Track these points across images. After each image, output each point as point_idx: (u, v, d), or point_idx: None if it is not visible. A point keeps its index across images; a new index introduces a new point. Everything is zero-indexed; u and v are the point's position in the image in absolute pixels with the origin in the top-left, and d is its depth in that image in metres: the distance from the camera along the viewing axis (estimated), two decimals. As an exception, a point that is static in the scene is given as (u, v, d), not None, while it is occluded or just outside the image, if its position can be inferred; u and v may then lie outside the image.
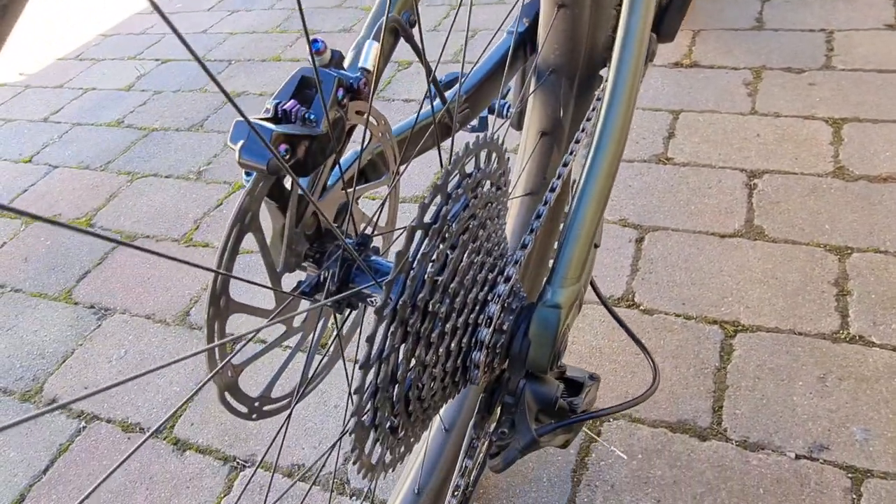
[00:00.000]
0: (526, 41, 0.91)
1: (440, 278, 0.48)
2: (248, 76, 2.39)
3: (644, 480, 1.00)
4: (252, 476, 1.12)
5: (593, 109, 0.71)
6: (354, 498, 1.06)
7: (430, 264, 0.47)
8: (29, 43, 3.18)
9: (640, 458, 1.02)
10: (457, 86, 0.80)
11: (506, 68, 0.84)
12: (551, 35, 0.85)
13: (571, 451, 1.05)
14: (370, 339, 0.43)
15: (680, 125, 1.70)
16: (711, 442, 1.03)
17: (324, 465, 1.11)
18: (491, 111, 0.88)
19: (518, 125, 1.07)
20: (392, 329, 0.45)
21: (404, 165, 0.69)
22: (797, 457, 0.99)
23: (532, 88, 0.90)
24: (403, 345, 0.47)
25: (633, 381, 1.13)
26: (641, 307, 1.26)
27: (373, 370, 0.45)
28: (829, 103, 1.67)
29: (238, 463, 1.15)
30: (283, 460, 1.14)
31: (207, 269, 0.44)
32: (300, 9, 0.38)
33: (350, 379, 0.64)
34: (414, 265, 0.45)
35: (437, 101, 0.74)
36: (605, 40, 0.91)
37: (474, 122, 0.87)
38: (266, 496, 1.08)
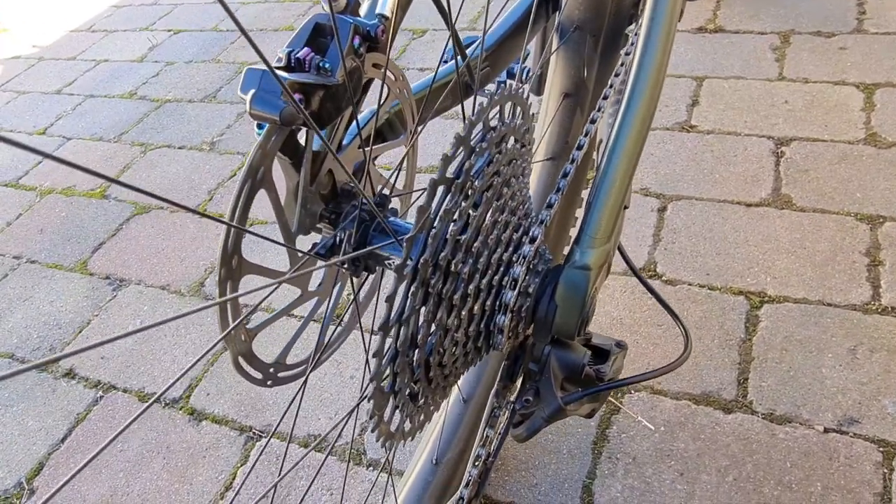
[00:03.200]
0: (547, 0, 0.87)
1: (463, 237, 0.45)
2: (261, 45, 2.35)
3: (667, 453, 0.98)
4: (265, 445, 1.12)
5: (622, 65, 0.67)
6: (371, 468, 1.05)
7: (453, 222, 0.44)
8: (41, 15, 3.15)
9: (663, 431, 1.00)
10: (477, 42, 0.77)
11: (528, 26, 0.81)
12: (576, -11, 0.81)
13: (592, 423, 1.03)
14: (389, 299, 0.41)
15: (704, 92, 1.65)
16: (736, 414, 1.00)
17: (340, 436, 1.10)
18: (510, 76, 0.85)
19: (538, 90, 1.03)
20: (412, 289, 0.43)
21: (422, 125, 0.66)
22: (826, 430, 0.96)
23: (555, 47, 0.86)
24: (424, 306, 0.45)
25: (655, 352, 1.11)
26: (664, 277, 1.22)
27: (392, 332, 0.43)
28: (860, 68, 1.61)
29: (254, 433, 1.14)
30: (300, 430, 1.13)
31: (220, 221, 0.42)
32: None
33: (367, 346, 0.62)
34: (436, 222, 0.43)
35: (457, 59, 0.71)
36: (632, -4, 0.87)
37: (492, 87, 0.83)
38: (281, 466, 1.07)
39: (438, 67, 0.69)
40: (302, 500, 1.03)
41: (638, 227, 1.33)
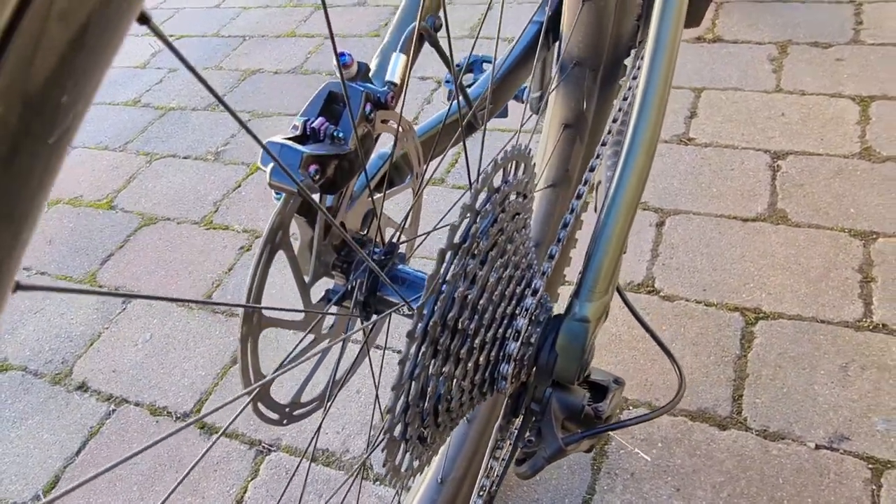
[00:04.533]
0: (549, 30, 0.89)
1: (470, 295, 0.48)
2: (263, 52, 2.38)
3: (664, 469, 1.01)
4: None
5: (619, 110, 0.70)
6: (377, 483, 1.08)
7: (461, 284, 0.47)
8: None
9: (660, 447, 1.03)
10: (482, 78, 0.80)
11: (533, 57, 0.83)
12: (576, 28, 0.84)
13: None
14: (402, 362, 0.44)
15: (702, 104, 1.67)
16: (731, 431, 1.03)
17: (347, 451, 1.13)
18: (514, 98, 0.88)
19: (537, 109, 1.06)
20: (423, 349, 0.46)
21: (427, 166, 0.69)
22: (817, 447, 0.99)
23: (555, 81, 0.89)
24: (434, 361, 0.48)
25: (653, 368, 1.14)
26: (661, 293, 1.26)
27: (404, 391, 0.46)
28: (856, 80, 1.63)
29: (264, 447, 1.18)
30: (306, 444, 1.16)
31: (240, 306, 0.45)
32: (328, 23, 0.37)
33: (377, 382, 0.65)
34: (443, 287, 0.46)
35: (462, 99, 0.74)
36: (631, 29, 0.90)
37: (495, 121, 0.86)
38: (290, 481, 1.10)
39: (449, 110, 0.71)
40: (311, 513, 1.06)
41: (637, 241, 1.36)
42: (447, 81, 0.80)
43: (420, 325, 0.44)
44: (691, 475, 0.99)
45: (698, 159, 1.53)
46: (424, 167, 0.68)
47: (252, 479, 1.13)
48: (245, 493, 1.12)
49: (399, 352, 1.23)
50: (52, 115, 0.17)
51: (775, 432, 1.02)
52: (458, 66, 0.85)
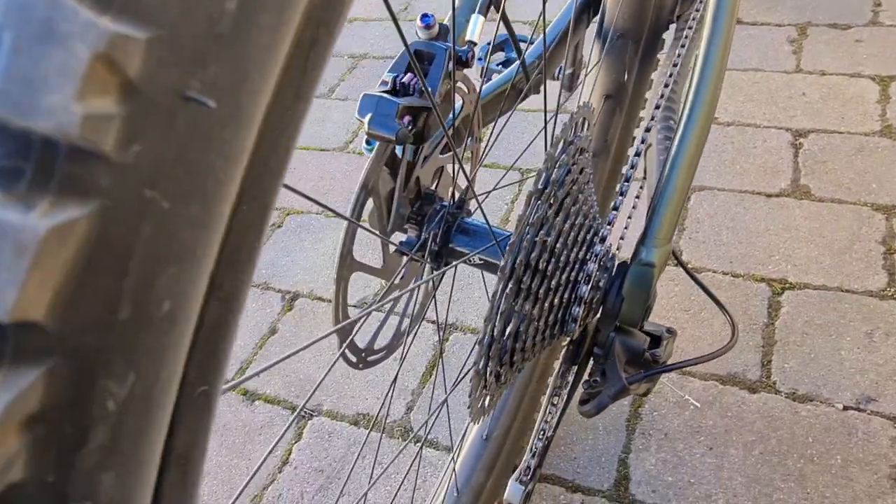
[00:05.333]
0: (590, 4, 0.93)
1: (548, 239, 0.52)
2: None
3: (696, 429, 1.05)
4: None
5: (670, 75, 0.73)
6: (417, 444, 1.12)
7: (542, 227, 0.51)
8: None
9: (692, 409, 1.07)
10: (530, 47, 0.83)
11: (575, 30, 0.87)
12: (618, 1, 0.87)
13: (625, 402, 1.10)
14: (494, 296, 0.48)
15: (724, 84, 1.70)
16: (761, 394, 1.07)
17: (388, 414, 1.18)
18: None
19: (570, 87, 1.09)
20: (510, 287, 0.49)
21: (483, 130, 0.73)
22: (845, 408, 1.03)
23: (598, 53, 0.92)
24: (516, 300, 0.52)
25: (682, 334, 1.18)
26: (690, 265, 1.29)
27: (493, 324, 0.50)
28: (875, 60, 1.66)
29: (305, 412, 1.22)
30: (348, 409, 1.20)
31: (343, 217, 0.48)
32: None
33: (441, 336, 0.69)
34: (528, 229, 0.49)
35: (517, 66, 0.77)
36: (671, 3, 0.93)
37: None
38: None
39: (512, 76, 0.75)
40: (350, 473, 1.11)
41: (663, 216, 1.40)
42: (500, 64, 0.83)
43: (509, 260, 0.48)
44: (723, 435, 1.03)
45: (721, 137, 1.56)
46: (482, 127, 0.72)
47: (296, 442, 1.18)
48: (290, 454, 1.16)
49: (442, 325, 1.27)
50: None
51: (804, 395, 1.06)
52: (488, 43, 0.88)
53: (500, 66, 0.87)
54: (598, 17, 0.94)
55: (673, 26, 0.97)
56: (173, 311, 0.14)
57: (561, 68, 0.93)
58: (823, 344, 1.12)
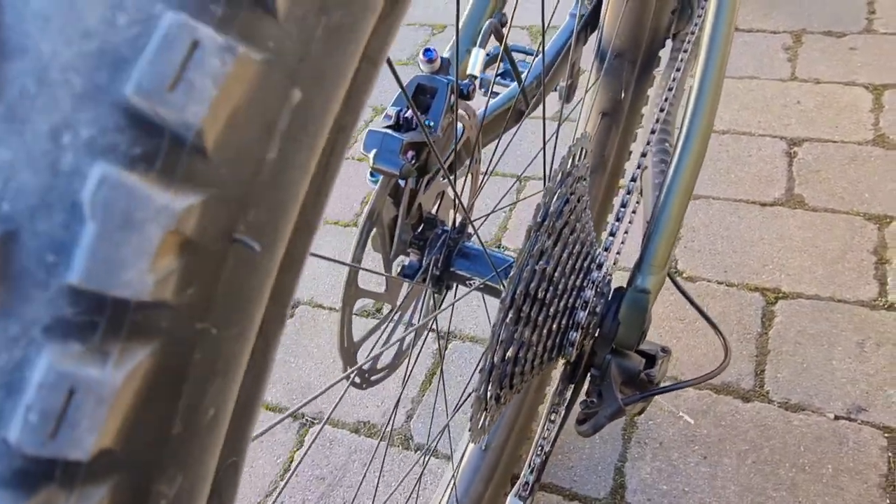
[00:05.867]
0: (588, 23, 0.94)
1: (546, 268, 0.54)
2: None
3: (691, 438, 1.07)
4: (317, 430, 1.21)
5: (665, 100, 0.75)
6: (418, 452, 1.14)
7: (540, 258, 0.53)
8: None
9: (693, 421, 1.09)
10: (531, 68, 0.84)
11: (570, 50, 0.88)
12: (617, 21, 0.88)
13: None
14: (495, 328, 0.50)
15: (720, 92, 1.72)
16: (754, 403, 1.09)
17: (389, 422, 1.20)
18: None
19: (568, 98, 1.11)
20: (510, 317, 0.51)
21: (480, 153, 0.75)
22: (836, 417, 1.05)
23: (595, 72, 0.94)
24: (516, 327, 0.53)
25: (678, 345, 1.20)
26: (685, 274, 1.31)
27: (493, 353, 0.51)
28: (870, 69, 1.68)
29: (307, 419, 1.24)
30: (350, 417, 1.22)
31: (345, 264, 0.50)
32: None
33: (442, 353, 0.71)
34: (528, 261, 0.51)
35: (515, 86, 0.79)
36: (667, 22, 0.95)
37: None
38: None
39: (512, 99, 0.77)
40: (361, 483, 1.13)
41: (659, 225, 1.42)
42: (499, 74, 0.85)
43: (510, 292, 0.50)
44: (717, 444, 1.06)
45: (716, 146, 1.58)
46: (481, 152, 0.74)
47: (297, 450, 1.19)
48: (291, 461, 1.18)
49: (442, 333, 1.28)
50: None
51: (796, 404, 1.08)
52: (488, 54, 0.89)
53: (500, 76, 0.89)
54: (595, 34, 0.95)
55: (670, 43, 0.99)
56: (217, 416, 0.16)
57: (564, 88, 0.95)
58: (816, 353, 1.14)
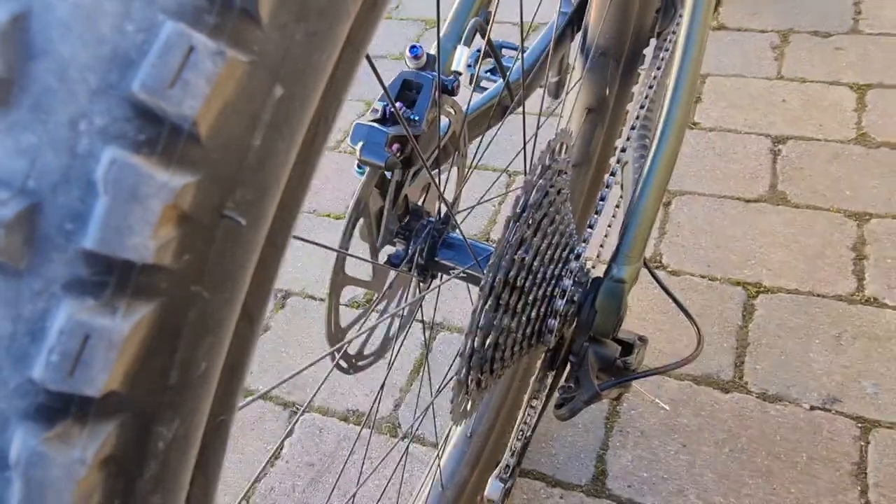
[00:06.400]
0: (573, 21, 0.97)
1: (526, 258, 0.56)
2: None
3: (671, 427, 1.10)
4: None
5: (646, 97, 0.77)
6: (405, 440, 1.17)
7: (520, 247, 0.55)
8: None
9: (668, 408, 1.12)
10: (515, 66, 0.87)
11: (552, 47, 0.90)
12: (602, 19, 0.91)
13: (604, 402, 1.15)
14: (475, 312, 0.52)
15: (707, 89, 1.75)
16: (733, 394, 1.13)
17: (377, 411, 1.22)
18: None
19: (556, 94, 1.13)
20: (490, 303, 0.54)
21: (467, 147, 0.77)
22: (812, 408, 1.08)
23: (580, 69, 0.96)
24: (495, 314, 0.56)
25: (660, 336, 1.23)
26: (668, 268, 1.34)
27: (473, 338, 0.54)
28: (854, 68, 1.71)
29: (297, 408, 1.26)
30: (339, 405, 1.25)
31: (332, 249, 0.52)
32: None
33: (426, 340, 0.73)
34: (507, 250, 0.54)
35: (501, 83, 0.81)
36: (651, 21, 0.97)
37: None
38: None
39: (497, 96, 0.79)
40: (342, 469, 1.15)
41: (645, 220, 1.44)
42: (488, 71, 0.87)
43: (489, 280, 0.52)
44: (696, 433, 1.09)
45: (703, 143, 1.60)
46: (467, 147, 0.76)
47: (287, 438, 1.22)
48: (281, 449, 1.20)
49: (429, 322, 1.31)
50: None
51: (774, 395, 1.11)
52: (478, 50, 0.91)
53: (489, 73, 0.91)
54: (580, 32, 0.98)
55: (653, 42, 1.01)
56: (208, 370, 0.18)
57: (547, 77, 0.97)
58: (794, 346, 1.17)
